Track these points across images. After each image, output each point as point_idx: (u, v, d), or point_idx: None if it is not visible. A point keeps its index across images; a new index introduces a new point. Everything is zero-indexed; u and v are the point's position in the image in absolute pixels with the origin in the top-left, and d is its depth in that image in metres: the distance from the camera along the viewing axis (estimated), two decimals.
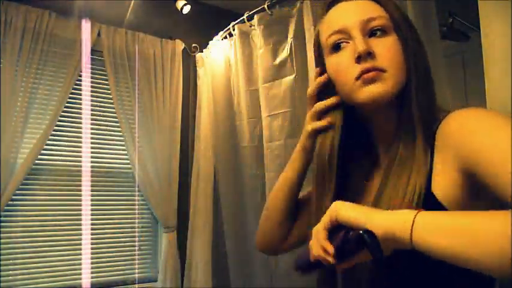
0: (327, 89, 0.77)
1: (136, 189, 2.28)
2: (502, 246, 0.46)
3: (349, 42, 0.70)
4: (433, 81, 0.73)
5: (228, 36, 2.25)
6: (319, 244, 0.61)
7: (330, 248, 0.59)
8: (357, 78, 0.68)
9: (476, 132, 0.59)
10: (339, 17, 0.72)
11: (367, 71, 0.67)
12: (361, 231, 0.56)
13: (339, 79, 0.72)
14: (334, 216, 0.60)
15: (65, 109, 2.10)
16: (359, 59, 0.67)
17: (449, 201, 0.62)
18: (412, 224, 0.53)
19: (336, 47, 0.72)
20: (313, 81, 0.79)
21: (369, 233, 0.56)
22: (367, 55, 0.67)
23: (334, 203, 0.62)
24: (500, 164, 0.53)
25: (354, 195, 0.73)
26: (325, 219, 0.62)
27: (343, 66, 0.70)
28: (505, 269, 0.47)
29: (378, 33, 0.69)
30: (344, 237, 0.59)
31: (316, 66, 0.80)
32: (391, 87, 0.67)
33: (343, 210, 0.60)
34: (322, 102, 0.78)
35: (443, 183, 0.62)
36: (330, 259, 0.59)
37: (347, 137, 0.76)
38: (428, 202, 0.62)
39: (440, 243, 0.51)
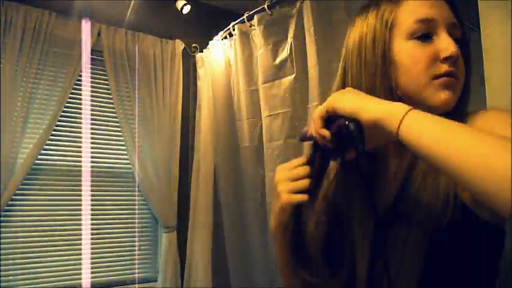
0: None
1: (136, 189, 2.28)
2: (498, 175, 0.44)
3: (433, 38, 0.66)
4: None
5: (228, 36, 2.25)
6: (316, 131, 0.62)
7: (326, 133, 0.61)
8: (435, 78, 0.64)
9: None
10: (429, 7, 0.67)
11: (450, 74, 0.64)
12: (347, 122, 0.57)
13: (414, 69, 0.66)
14: (331, 107, 0.60)
15: (65, 109, 2.11)
16: (447, 60, 0.64)
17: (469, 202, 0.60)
18: (403, 117, 0.53)
19: (425, 37, 0.66)
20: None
21: (357, 123, 0.56)
22: (456, 59, 0.64)
23: (333, 93, 0.62)
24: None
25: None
26: (322, 108, 0.62)
27: (427, 58, 0.65)
28: (490, 196, 0.45)
29: (457, 39, 0.67)
30: (339, 126, 0.59)
31: (374, 46, 0.69)
32: (456, 99, 0.67)
33: (340, 100, 0.60)
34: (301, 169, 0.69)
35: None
36: (328, 143, 0.61)
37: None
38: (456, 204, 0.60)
39: (425, 145, 0.51)
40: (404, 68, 0.66)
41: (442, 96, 0.64)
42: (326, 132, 0.61)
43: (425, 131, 0.51)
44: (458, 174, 0.48)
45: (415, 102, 0.64)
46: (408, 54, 0.66)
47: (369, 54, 0.69)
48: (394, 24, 0.68)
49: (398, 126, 0.53)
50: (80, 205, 2.12)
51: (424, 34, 0.66)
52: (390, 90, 0.66)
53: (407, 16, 0.67)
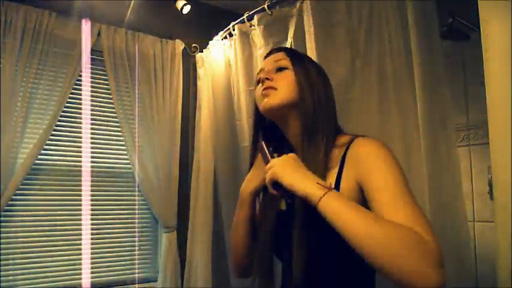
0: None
1: (136, 189, 2.28)
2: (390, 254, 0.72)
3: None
4: (327, 104, 1.01)
5: (228, 36, 2.25)
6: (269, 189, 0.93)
7: (275, 192, 0.91)
8: (261, 92, 1.03)
9: (375, 161, 0.87)
10: (263, 64, 1.11)
11: (264, 89, 1.02)
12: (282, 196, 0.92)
13: (256, 100, 1.09)
14: (276, 178, 0.88)
15: (65, 109, 2.11)
16: (261, 82, 1.04)
17: (348, 197, 0.86)
18: (319, 199, 0.81)
19: (259, 81, 1.07)
20: None
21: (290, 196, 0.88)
22: (266, 79, 1.02)
23: (276, 164, 0.90)
24: (381, 190, 0.83)
25: None
26: (270, 178, 0.90)
27: (257, 88, 1.07)
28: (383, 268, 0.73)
29: (280, 69, 1.04)
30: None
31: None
32: (280, 99, 1.00)
33: (282, 176, 0.87)
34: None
35: (345, 185, 0.90)
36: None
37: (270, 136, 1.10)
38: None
39: (335, 224, 0.78)
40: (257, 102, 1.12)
41: (264, 103, 1.02)
42: (275, 192, 0.91)
43: (335, 213, 0.78)
44: (361, 251, 0.75)
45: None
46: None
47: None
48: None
49: (317, 204, 0.81)
50: (80, 205, 2.12)
51: (258, 78, 1.09)
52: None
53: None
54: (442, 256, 0.72)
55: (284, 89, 1.00)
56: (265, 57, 1.11)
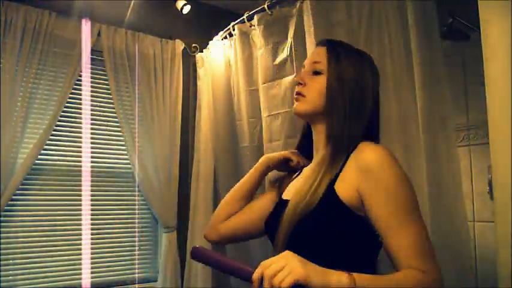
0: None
1: (136, 189, 2.28)
2: None
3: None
4: (360, 113, 0.99)
5: (228, 36, 2.25)
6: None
7: None
8: (294, 96, 1.05)
9: (379, 174, 0.87)
10: (307, 58, 1.11)
11: (296, 93, 1.04)
12: None
13: None
14: (303, 280, 0.76)
15: (65, 109, 2.10)
16: (297, 84, 1.05)
17: (347, 201, 0.89)
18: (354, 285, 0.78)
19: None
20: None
21: None
22: (298, 83, 1.04)
23: (284, 262, 0.77)
24: (383, 213, 0.85)
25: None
26: (286, 281, 0.75)
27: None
28: None
29: (316, 72, 1.03)
30: None
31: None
32: (305, 108, 1.02)
33: (305, 274, 0.76)
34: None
35: (343, 190, 0.90)
36: None
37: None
38: (329, 195, 0.90)
39: None
40: None
41: (294, 107, 1.05)
42: None
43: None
44: None
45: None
46: None
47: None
48: None
49: None
50: (80, 205, 2.12)
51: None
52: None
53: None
54: (442, 281, 0.83)
55: (313, 97, 1.01)
56: (316, 44, 1.12)
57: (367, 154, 0.89)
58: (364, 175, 0.88)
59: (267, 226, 1.09)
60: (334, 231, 0.89)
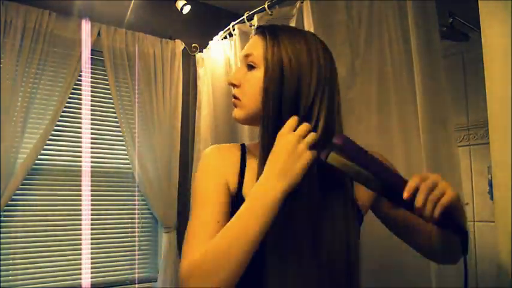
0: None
1: (136, 189, 2.28)
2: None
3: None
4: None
5: (228, 36, 2.25)
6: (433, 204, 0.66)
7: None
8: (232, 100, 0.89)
9: None
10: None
11: (233, 96, 0.88)
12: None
13: None
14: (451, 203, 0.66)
15: (65, 109, 2.10)
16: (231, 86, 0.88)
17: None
18: None
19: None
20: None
21: None
22: (232, 85, 0.87)
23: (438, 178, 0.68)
24: None
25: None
26: (444, 200, 0.66)
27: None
28: None
29: (250, 66, 0.84)
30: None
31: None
32: (243, 113, 0.86)
33: (451, 191, 0.66)
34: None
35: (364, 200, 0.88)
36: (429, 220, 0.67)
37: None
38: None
39: None
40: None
41: (233, 112, 0.89)
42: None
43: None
44: None
45: None
46: None
47: None
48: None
49: None
50: (80, 205, 2.12)
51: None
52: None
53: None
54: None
55: (248, 100, 0.84)
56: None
57: None
58: None
59: None
60: None
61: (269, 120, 0.80)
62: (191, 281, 0.71)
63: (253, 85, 0.82)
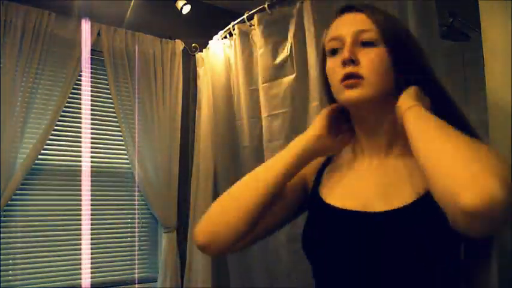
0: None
1: (136, 189, 2.28)
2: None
3: (342, 49, 0.78)
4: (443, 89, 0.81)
5: (228, 36, 2.25)
6: None
7: None
8: (342, 81, 0.77)
9: None
10: (338, 26, 0.81)
11: (348, 76, 0.76)
12: None
13: (330, 79, 0.82)
14: None
15: (65, 109, 2.10)
16: (344, 64, 0.77)
17: None
18: (405, 110, 0.71)
19: (333, 52, 0.81)
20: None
21: None
22: (350, 61, 0.76)
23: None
24: None
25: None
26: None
27: (334, 68, 0.79)
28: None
29: (367, 44, 0.77)
30: None
31: (320, 68, 0.88)
32: (367, 93, 0.76)
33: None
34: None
35: None
36: None
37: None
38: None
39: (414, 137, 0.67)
40: (329, 80, 0.82)
41: (346, 94, 0.77)
42: None
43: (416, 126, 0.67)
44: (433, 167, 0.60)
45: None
46: (327, 69, 0.83)
47: (319, 72, 0.91)
48: (324, 47, 0.84)
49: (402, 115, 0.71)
50: (80, 205, 2.12)
51: (333, 49, 0.80)
52: (332, 100, 0.85)
53: (326, 38, 0.84)
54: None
55: (373, 78, 0.75)
56: (337, 14, 0.83)
57: None
58: None
59: (314, 243, 0.80)
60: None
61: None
62: (203, 222, 0.83)
63: (378, 61, 0.76)
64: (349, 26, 0.79)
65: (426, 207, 0.67)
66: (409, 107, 0.70)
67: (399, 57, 0.77)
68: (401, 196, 0.72)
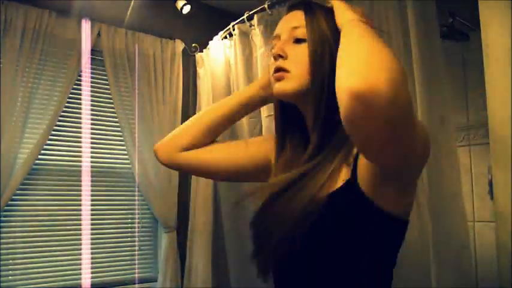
0: None
1: (136, 189, 2.28)
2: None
3: None
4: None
5: (228, 36, 2.25)
6: None
7: None
8: (273, 74, 0.83)
9: None
10: (279, 24, 0.87)
11: (276, 70, 0.82)
12: None
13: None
14: None
15: (65, 109, 2.10)
16: (274, 58, 0.83)
17: (366, 186, 0.71)
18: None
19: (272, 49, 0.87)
20: None
21: None
22: (278, 56, 0.82)
23: None
24: None
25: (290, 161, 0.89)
26: None
27: (270, 63, 0.86)
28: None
29: (299, 40, 0.82)
30: None
31: None
32: (292, 86, 0.81)
33: None
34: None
35: (363, 173, 0.72)
36: None
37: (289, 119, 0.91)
38: (352, 189, 0.73)
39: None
40: None
41: (275, 87, 0.83)
42: None
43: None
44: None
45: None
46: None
47: None
48: None
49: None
50: (80, 205, 2.12)
51: (273, 47, 0.86)
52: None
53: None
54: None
55: (298, 71, 0.80)
56: (289, 8, 0.88)
57: None
58: None
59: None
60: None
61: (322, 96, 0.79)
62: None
63: (303, 55, 0.81)
64: (287, 23, 0.85)
65: (343, 198, 0.74)
66: (351, 19, 0.71)
67: (317, 54, 0.80)
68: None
